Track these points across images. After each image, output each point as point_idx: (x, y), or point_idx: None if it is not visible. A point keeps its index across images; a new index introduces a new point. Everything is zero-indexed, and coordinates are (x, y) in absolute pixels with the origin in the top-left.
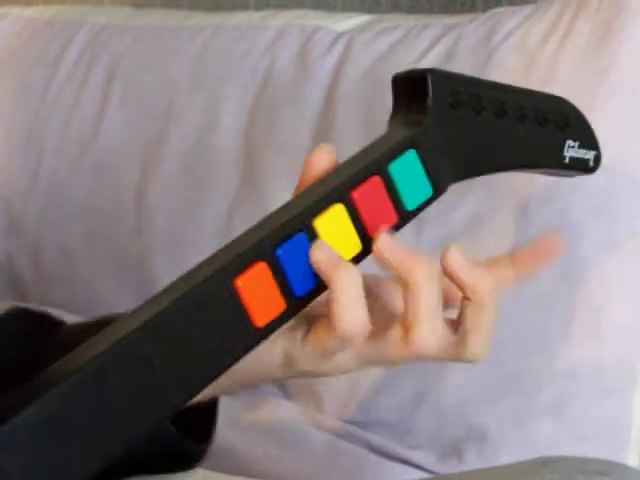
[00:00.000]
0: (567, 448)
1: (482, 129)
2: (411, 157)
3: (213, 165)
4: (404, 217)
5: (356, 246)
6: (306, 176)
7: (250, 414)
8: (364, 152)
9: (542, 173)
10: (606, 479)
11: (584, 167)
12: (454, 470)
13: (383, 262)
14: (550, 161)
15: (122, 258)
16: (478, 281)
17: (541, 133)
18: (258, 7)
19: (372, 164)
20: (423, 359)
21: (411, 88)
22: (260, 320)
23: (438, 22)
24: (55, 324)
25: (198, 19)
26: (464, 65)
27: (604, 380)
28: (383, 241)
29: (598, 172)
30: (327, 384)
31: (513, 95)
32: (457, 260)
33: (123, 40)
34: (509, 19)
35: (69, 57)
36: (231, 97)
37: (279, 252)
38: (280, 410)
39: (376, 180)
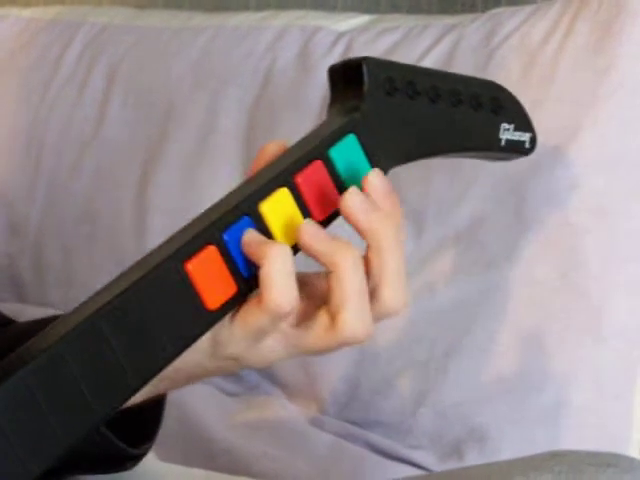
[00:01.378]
0: (567, 448)
1: (417, 114)
2: (351, 141)
3: (213, 165)
4: None
5: None
6: (255, 166)
7: (251, 414)
8: (306, 139)
9: (481, 158)
10: (615, 470)
11: (520, 149)
12: None
13: (307, 249)
14: (486, 144)
15: (122, 259)
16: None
17: (476, 117)
18: (259, 7)
19: (314, 149)
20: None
21: (347, 77)
22: (212, 303)
23: (438, 22)
24: (6, 322)
25: (199, 20)
26: (465, 65)
27: (604, 380)
28: (305, 230)
29: (598, 172)
30: (328, 384)
31: (447, 81)
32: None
33: (124, 41)
34: (509, 19)
35: (69, 58)
36: (232, 98)
37: (226, 236)
38: (281, 410)
39: (318, 164)
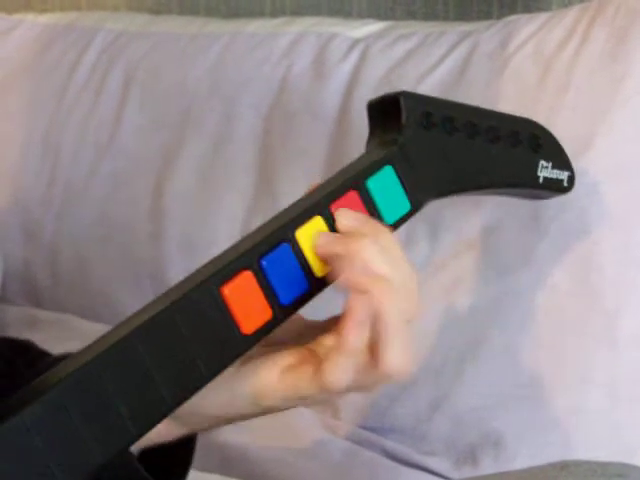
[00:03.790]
0: (581, 454)
1: (455, 150)
2: (388, 173)
3: (229, 172)
4: None
5: None
6: None
7: (267, 420)
8: (344, 170)
9: (518, 195)
10: None
11: (558, 187)
12: (469, 476)
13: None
14: (524, 181)
15: (138, 264)
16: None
17: (514, 154)
18: (274, 14)
19: (350, 180)
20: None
21: (385, 111)
22: (247, 327)
23: (454, 29)
24: (39, 355)
25: (214, 26)
26: (480, 72)
27: (619, 387)
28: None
29: (613, 178)
30: None
31: (485, 117)
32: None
33: (140, 47)
34: (525, 26)
35: (85, 63)
36: (247, 104)
37: (264, 262)
38: (297, 416)
39: (354, 195)
